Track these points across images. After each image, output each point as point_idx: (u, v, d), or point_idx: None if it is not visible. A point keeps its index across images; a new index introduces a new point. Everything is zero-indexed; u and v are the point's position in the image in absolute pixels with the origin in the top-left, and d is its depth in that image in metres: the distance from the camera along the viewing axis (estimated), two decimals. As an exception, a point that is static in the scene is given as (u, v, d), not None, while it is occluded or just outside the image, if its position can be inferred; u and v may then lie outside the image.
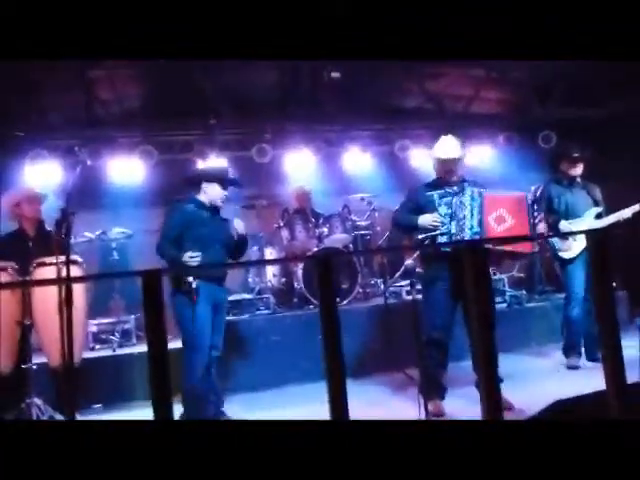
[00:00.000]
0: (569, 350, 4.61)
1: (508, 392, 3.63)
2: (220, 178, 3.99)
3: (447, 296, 3.56)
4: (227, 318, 5.18)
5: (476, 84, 6.50)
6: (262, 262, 5.25)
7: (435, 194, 3.61)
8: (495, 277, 5.91)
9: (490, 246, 3.45)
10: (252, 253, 6.13)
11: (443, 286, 3.57)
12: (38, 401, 4.03)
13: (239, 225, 3.95)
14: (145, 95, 5.96)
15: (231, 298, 5.51)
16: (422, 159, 6.51)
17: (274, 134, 6.58)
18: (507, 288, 5.94)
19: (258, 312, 5.41)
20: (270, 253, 5.93)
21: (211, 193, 3.91)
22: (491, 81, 6.41)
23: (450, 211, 3.54)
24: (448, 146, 3.75)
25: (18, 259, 3.98)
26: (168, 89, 5.46)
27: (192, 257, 3.62)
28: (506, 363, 4.23)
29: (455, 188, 3.63)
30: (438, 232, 3.54)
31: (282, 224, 5.83)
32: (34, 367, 4.06)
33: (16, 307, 3.84)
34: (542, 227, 4.57)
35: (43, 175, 5.83)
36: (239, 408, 4.25)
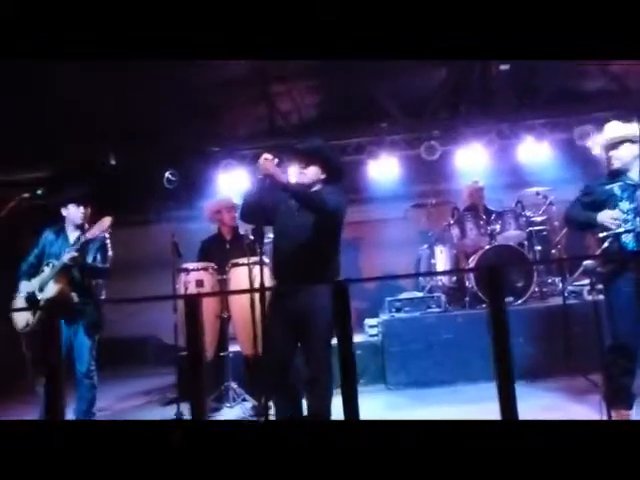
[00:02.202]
0: None
1: None
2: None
3: (632, 299, 3.30)
4: (398, 315, 5.39)
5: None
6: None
7: (615, 187, 3.31)
8: None
9: None
10: (422, 252, 6.22)
11: (627, 287, 3.31)
12: (234, 385, 4.62)
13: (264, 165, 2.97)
14: (320, 104, 6.36)
15: (403, 296, 5.67)
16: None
17: (443, 131, 6.55)
18: None
19: (429, 310, 5.48)
20: (440, 251, 5.94)
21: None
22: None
23: (634, 205, 3.25)
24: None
25: (217, 259, 4.59)
26: (341, 97, 5.77)
27: None
28: None
29: (638, 179, 3.31)
30: (622, 229, 3.28)
31: (452, 222, 5.82)
32: (230, 355, 4.65)
33: (216, 302, 4.45)
34: None
35: (235, 183, 6.53)
36: (411, 402, 4.40)
